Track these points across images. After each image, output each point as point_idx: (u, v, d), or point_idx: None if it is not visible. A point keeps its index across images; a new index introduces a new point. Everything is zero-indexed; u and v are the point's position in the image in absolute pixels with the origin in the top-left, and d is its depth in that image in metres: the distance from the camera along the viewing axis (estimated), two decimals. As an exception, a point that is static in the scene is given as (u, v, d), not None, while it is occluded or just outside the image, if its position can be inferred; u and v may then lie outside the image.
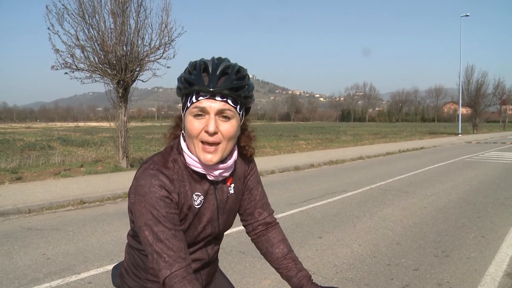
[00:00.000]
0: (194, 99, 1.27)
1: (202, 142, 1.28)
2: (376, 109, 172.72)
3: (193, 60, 1.36)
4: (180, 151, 1.37)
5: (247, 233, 1.65)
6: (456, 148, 23.26)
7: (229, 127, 1.29)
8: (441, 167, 13.81)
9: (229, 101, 1.28)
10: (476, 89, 44.99)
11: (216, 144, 1.29)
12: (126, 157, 12.81)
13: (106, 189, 8.88)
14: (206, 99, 1.26)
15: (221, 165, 1.36)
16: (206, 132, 1.26)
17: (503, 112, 65.26)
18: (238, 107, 1.32)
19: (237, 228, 5.65)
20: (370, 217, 6.80)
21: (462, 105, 43.91)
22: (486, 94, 47.46)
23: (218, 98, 1.26)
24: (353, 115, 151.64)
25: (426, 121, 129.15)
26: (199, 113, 1.27)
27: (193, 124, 1.27)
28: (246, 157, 1.53)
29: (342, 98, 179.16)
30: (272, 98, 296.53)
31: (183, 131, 1.38)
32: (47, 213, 7.29)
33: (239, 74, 1.31)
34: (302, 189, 9.51)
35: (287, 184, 10.37)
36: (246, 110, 1.41)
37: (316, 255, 4.94)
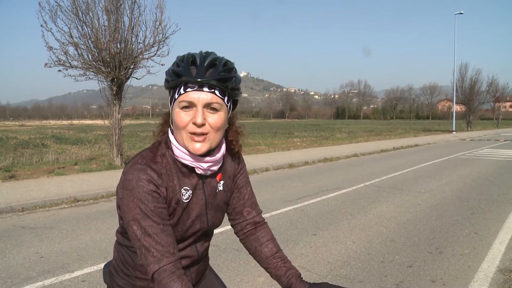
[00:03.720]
0: (181, 91, 1.27)
1: (190, 133, 1.29)
2: (371, 106, 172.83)
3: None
4: (168, 145, 1.37)
5: (236, 233, 1.65)
6: (450, 145, 23.36)
7: (217, 118, 1.29)
8: (435, 164, 13.87)
9: (217, 92, 1.28)
10: (470, 86, 45.12)
11: (205, 134, 1.29)
12: (121, 155, 12.77)
13: (100, 187, 8.86)
14: (193, 91, 1.26)
15: (208, 158, 1.36)
16: (194, 124, 1.27)
17: (496, 110, 65.58)
18: (226, 98, 1.32)
19: (232, 225, 5.63)
20: (364, 214, 6.81)
21: (456, 103, 44.11)
22: (480, 91, 47.61)
23: (205, 89, 1.26)
24: (347, 113, 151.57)
25: (420, 119, 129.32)
26: (187, 105, 1.27)
27: (181, 116, 1.28)
28: (234, 153, 1.53)
29: (336, 96, 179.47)
30: (266, 95, 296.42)
31: (171, 125, 1.37)
32: (41, 211, 7.25)
33: (227, 66, 1.31)
34: (297, 187, 9.52)
35: (282, 181, 10.37)
36: (234, 104, 1.41)
37: (310, 252, 4.95)
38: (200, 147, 1.29)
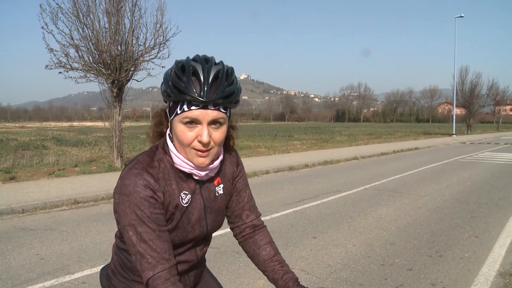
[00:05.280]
0: (185, 108, 1.24)
1: (195, 149, 1.28)
2: (371, 109, 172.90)
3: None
4: (166, 151, 1.36)
5: (235, 235, 1.65)
6: (450, 148, 23.36)
7: (220, 134, 1.29)
8: (435, 168, 13.87)
9: (221, 109, 1.26)
10: (470, 90, 45.18)
11: (209, 150, 1.29)
12: (121, 156, 12.77)
13: (100, 189, 8.86)
14: (198, 109, 1.23)
15: (209, 166, 1.37)
16: (200, 142, 1.26)
17: (497, 113, 65.57)
18: (228, 111, 1.31)
19: (232, 228, 5.63)
20: (365, 217, 6.81)
21: (457, 106, 44.10)
22: (480, 95, 47.64)
23: (210, 107, 1.24)
24: (347, 116, 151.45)
25: (420, 122, 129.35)
26: (191, 121, 1.25)
27: (185, 133, 1.26)
28: (230, 147, 1.53)
29: (337, 99, 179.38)
30: (267, 98, 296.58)
31: (169, 132, 1.37)
32: (41, 213, 7.25)
33: (229, 78, 1.28)
34: (297, 189, 9.52)
35: (282, 184, 10.37)
36: None
37: (310, 255, 4.95)
38: (204, 160, 1.30)
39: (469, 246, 5.30)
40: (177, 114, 1.26)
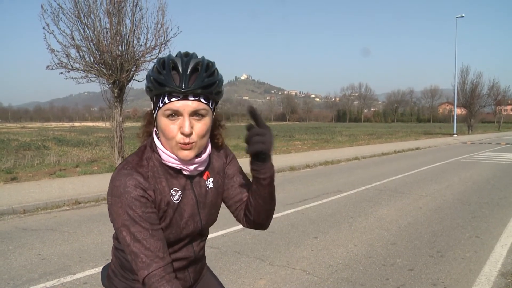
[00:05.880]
0: (166, 100, 1.26)
1: (180, 143, 1.28)
2: (372, 109, 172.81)
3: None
4: (154, 149, 1.37)
5: (243, 216, 1.54)
6: (451, 148, 23.34)
7: (202, 126, 1.29)
8: (436, 168, 13.86)
9: (202, 99, 1.27)
10: (471, 90, 45.15)
11: (192, 142, 1.29)
12: (122, 157, 12.76)
13: (102, 189, 8.86)
14: (179, 100, 1.25)
15: (196, 160, 1.37)
16: (182, 133, 1.27)
17: (498, 113, 65.56)
18: (210, 102, 1.32)
19: (233, 228, 5.65)
20: (366, 218, 6.81)
21: (457, 106, 44.07)
22: (481, 95, 47.60)
23: (191, 98, 1.26)
24: (348, 116, 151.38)
25: (421, 122, 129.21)
26: (172, 113, 1.26)
27: (168, 126, 1.27)
28: (218, 146, 1.53)
29: (337, 99, 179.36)
30: (267, 98, 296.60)
31: (155, 129, 1.38)
32: (42, 213, 7.26)
33: (209, 70, 1.30)
34: (298, 190, 9.52)
35: (283, 184, 10.37)
36: (216, 103, 1.40)
37: (311, 255, 4.95)
38: (188, 153, 1.30)
39: (471, 246, 5.30)
40: (159, 108, 1.28)
